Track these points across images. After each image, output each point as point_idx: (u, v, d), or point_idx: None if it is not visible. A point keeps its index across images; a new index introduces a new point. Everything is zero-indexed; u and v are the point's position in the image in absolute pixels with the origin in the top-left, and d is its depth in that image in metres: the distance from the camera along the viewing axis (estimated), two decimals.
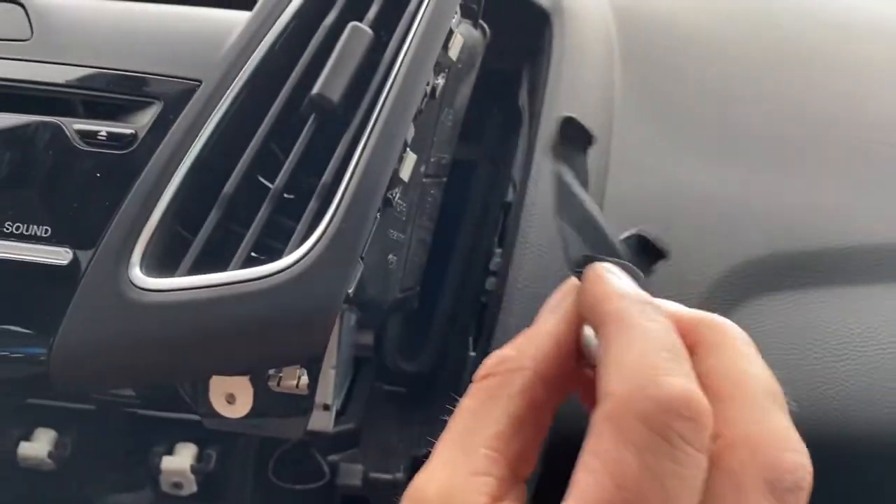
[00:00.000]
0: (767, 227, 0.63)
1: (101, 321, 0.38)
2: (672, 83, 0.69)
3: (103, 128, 0.41)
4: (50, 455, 0.55)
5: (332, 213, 0.40)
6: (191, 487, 0.56)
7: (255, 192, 0.41)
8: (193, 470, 0.56)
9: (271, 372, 0.43)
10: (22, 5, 0.44)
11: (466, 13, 0.56)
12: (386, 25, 0.44)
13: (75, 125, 0.41)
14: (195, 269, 0.40)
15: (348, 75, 0.42)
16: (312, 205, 0.41)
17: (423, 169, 0.53)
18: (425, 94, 0.46)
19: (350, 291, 0.42)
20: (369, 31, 0.43)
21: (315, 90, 0.42)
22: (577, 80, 0.63)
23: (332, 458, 0.61)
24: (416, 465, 0.61)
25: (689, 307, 0.58)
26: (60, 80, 0.42)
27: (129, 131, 0.41)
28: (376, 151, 0.41)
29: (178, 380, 0.42)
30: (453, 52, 0.47)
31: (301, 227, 0.40)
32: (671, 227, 0.61)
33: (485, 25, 0.58)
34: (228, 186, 0.41)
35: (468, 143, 0.74)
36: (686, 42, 0.73)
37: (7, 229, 0.40)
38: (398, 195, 0.47)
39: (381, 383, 0.73)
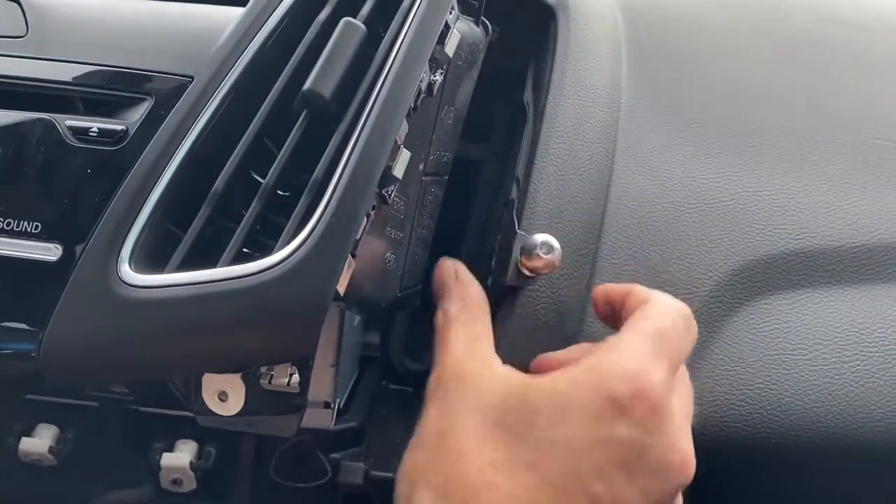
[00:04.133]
0: (776, 226, 0.62)
1: (89, 317, 0.38)
2: (681, 80, 0.69)
3: (94, 124, 0.41)
4: (51, 450, 0.56)
5: (321, 209, 0.40)
6: (190, 484, 0.57)
7: (247, 189, 0.41)
8: (193, 467, 0.56)
9: (263, 369, 0.43)
10: (18, 2, 0.44)
11: (467, 10, 0.56)
12: (380, 21, 0.44)
13: (67, 121, 0.41)
14: (184, 266, 0.40)
15: (340, 71, 0.42)
16: (303, 201, 0.40)
17: (421, 167, 0.53)
18: (421, 91, 0.46)
19: (341, 289, 0.41)
20: (362, 26, 0.43)
21: (307, 86, 0.41)
22: (582, 77, 0.63)
23: (335, 455, 0.61)
24: None
25: (695, 306, 0.57)
26: (53, 77, 0.42)
27: (120, 127, 0.41)
28: (367, 148, 0.40)
29: (166, 377, 0.42)
30: (450, 48, 0.47)
31: (291, 224, 0.40)
32: (678, 226, 0.61)
33: (487, 22, 0.58)
34: (218, 182, 0.41)
35: (474, 141, 0.74)
36: (695, 38, 0.72)
37: (14, 224, 0.40)
38: (394, 192, 0.47)
39: (387, 382, 0.73)
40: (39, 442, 0.56)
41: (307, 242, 0.39)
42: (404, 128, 0.43)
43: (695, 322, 0.47)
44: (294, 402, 0.43)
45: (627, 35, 0.70)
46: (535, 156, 0.58)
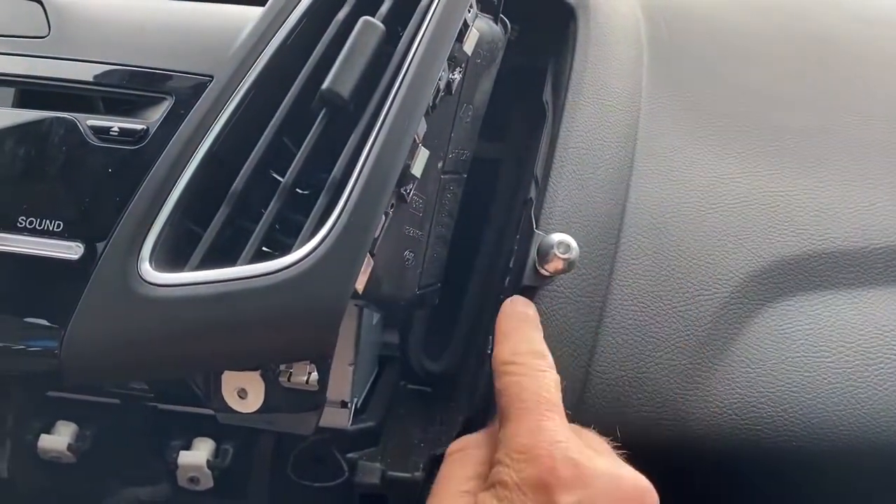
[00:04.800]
0: (799, 227, 0.62)
1: (109, 315, 0.39)
2: (702, 80, 0.68)
3: (115, 123, 0.41)
4: (70, 448, 0.56)
5: (340, 208, 0.40)
6: (207, 482, 0.57)
7: (267, 188, 0.41)
8: (210, 465, 0.56)
9: (282, 367, 0.43)
10: (41, 3, 0.44)
11: (486, 8, 0.56)
12: (399, 20, 0.44)
13: (89, 121, 0.41)
14: (204, 265, 0.40)
15: (359, 70, 0.42)
16: (322, 200, 0.40)
17: (440, 165, 0.53)
18: (439, 90, 0.45)
19: (359, 287, 0.41)
20: (381, 25, 0.43)
21: (325, 85, 0.41)
22: (602, 76, 0.62)
23: (352, 455, 0.61)
24: (434, 463, 0.60)
25: (714, 308, 0.57)
26: (75, 77, 0.42)
27: (140, 127, 0.41)
28: (386, 146, 0.40)
29: (186, 374, 0.42)
30: (468, 47, 0.47)
31: (310, 223, 0.40)
32: (699, 227, 0.60)
33: (506, 20, 0.57)
34: (238, 182, 0.41)
35: (494, 140, 0.74)
36: (717, 37, 0.71)
37: (21, 224, 0.40)
38: (412, 191, 0.47)
39: (406, 382, 0.73)
40: (58, 439, 0.57)
41: (325, 241, 0.39)
42: (423, 126, 0.43)
43: None
44: (313, 400, 0.43)
45: (649, 34, 0.69)
46: (554, 155, 0.58)
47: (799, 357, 0.58)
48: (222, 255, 0.40)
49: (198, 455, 0.57)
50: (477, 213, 0.73)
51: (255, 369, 0.41)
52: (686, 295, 0.58)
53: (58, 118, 0.41)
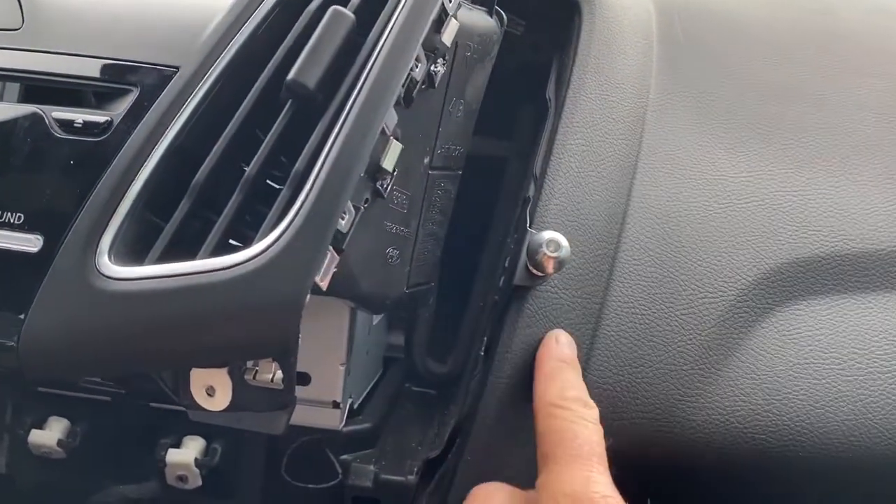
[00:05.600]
0: (812, 227, 0.59)
1: (65, 309, 0.38)
2: (716, 76, 0.66)
3: (80, 116, 0.40)
4: (60, 443, 0.56)
5: (300, 202, 0.39)
6: (196, 481, 0.56)
7: (235, 181, 0.40)
8: (198, 464, 0.56)
9: (249, 365, 0.42)
10: None
11: (479, 0, 0.54)
12: (371, 10, 0.43)
13: (54, 113, 0.41)
14: (166, 258, 0.39)
15: (326, 60, 0.41)
16: (284, 192, 0.39)
17: (426, 161, 0.51)
18: (415, 81, 0.44)
19: (323, 284, 0.40)
20: (351, 15, 0.42)
21: (290, 76, 0.40)
22: (606, 71, 0.60)
23: (345, 457, 0.60)
24: (429, 467, 0.59)
25: (719, 311, 0.54)
26: (41, 69, 0.42)
27: (103, 119, 0.40)
28: (349, 138, 0.39)
29: (144, 370, 0.41)
30: (447, 37, 0.45)
31: (271, 216, 0.39)
32: (704, 226, 0.58)
33: (502, 13, 0.56)
34: (200, 174, 0.40)
35: (499, 138, 0.72)
36: (732, 33, 0.69)
37: None
38: (390, 186, 0.45)
39: (410, 384, 0.71)
40: (49, 434, 0.56)
41: (284, 235, 0.38)
42: (392, 118, 0.42)
43: None
44: (279, 399, 0.42)
45: (660, 29, 0.67)
46: (552, 151, 0.57)
47: (808, 364, 0.56)
48: (188, 248, 0.40)
49: (186, 453, 0.56)
50: (483, 212, 0.71)
51: (214, 366, 0.40)
52: (689, 298, 0.56)
53: (24, 111, 0.41)
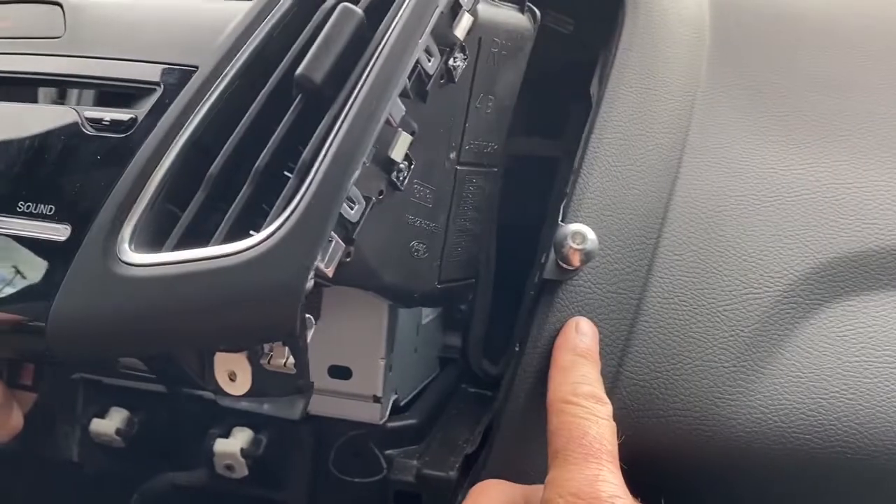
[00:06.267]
0: (867, 220, 0.57)
1: (88, 294, 0.41)
2: (772, 69, 0.64)
3: (108, 114, 0.43)
4: (118, 432, 0.59)
5: (303, 190, 0.40)
6: (242, 471, 0.58)
7: (246, 173, 0.42)
8: (244, 453, 0.58)
9: (265, 350, 0.44)
10: (60, 5, 0.48)
11: None
12: (382, 6, 0.44)
13: (86, 112, 0.44)
14: (181, 246, 0.41)
15: (333, 56, 0.42)
16: (291, 182, 0.41)
17: (453, 156, 0.52)
18: (428, 75, 0.45)
19: (329, 271, 0.41)
20: (360, 11, 0.43)
21: (299, 70, 0.42)
22: (649, 65, 0.60)
23: (390, 452, 0.61)
24: (467, 463, 0.59)
25: (764, 307, 0.53)
26: (76, 72, 0.45)
27: (129, 116, 0.43)
28: (351, 128, 0.41)
29: (158, 350, 0.43)
30: (460, 32, 0.46)
31: (278, 205, 0.41)
32: (751, 220, 0.57)
33: (535, 10, 0.56)
34: (214, 167, 0.42)
35: (550, 138, 0.72)
36: (790, 24, 0.67)
37: (20, 208, 0.43)
38: (406, 178, 0.46)
39: (466, 385, 0.72)
40: (108, 423, 0.60)
41: (287, 223, 0.39)
42: (399, 109, 0.43)
43: None
44: (293, 384, 0.44)
45: (714, 22, 0.66)
46: (588, 146, 0.56)
47: (858, 362, 0.53)
48: (205, 237, 0.42)
49: (233, 443, 0.58)
50: (535, 212, 0.71)
51: (225, 349, 0.42)
52: (733, 292, 0.55)
53: (60, 110, 0.44)
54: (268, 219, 0.41)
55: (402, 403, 0.64)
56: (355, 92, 0.41)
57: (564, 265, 0.52)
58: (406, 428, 0.62)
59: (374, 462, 0.61)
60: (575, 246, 0.51)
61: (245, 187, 0.42)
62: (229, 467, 0.59)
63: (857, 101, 0.62)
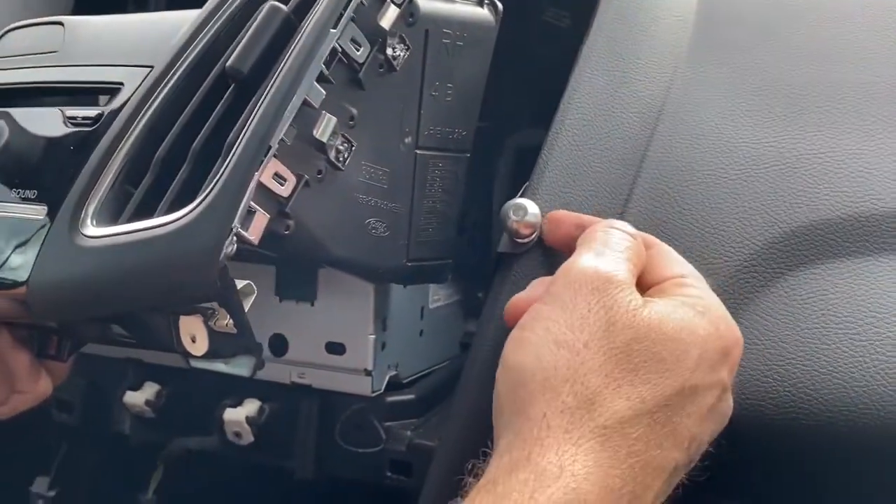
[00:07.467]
0: (835, 188, 0.57)
1: (57, 263, 0.48)
2: (755, 42, 0.65)
3: (81, 111, 0.50)
4: (147, 403, 0.67)
5: (224, 167, 0.45)
6: (248, 437, 0.64)
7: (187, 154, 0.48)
8: (248, 421, 0.64)
9: (216, 312, 0.49)
10: (61, 24, 0.56)
11: None
12: (306, 4, 0.49)
13: (68, 111, 0.51)
14: (135, 220, 0.48)
15: (260, 48, 0.47)
16: (219, 160, 0.46)
17: (408, 140, 0.56)
18: (357, 63, 0.50)
19: (254, 238, 0.46)
20: (284, 8, 0.48)
21: (229, 63, 0.48)
22: (618, 47, 0.62)
23: (389, 424, 0.65)
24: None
25: (722, 278, 0.54)
26: (63, 79, 0.53)
27: (97, 112, 0.50)
28: (265, 112, 0.46)
29: (115, 312, 0.49)
30: (385, 23, 0.50)
31: (208, 182, 0.46)
32: (716, 192, 0.57)
33: (497, 4, 0.60)
34: (160, 150, 0.48)
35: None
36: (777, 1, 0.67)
37: (20, 193, 0.51)
38: (346, 159, 0.51)
39: None
40: (139, 395, 0.67)
41: (207, 197, 0.45)
42: (318, 93, 0.47)
43: None
44: (237, 343, 0.49)
45: (701, 3, 0.67)
46: (551, 127, 0.59)
47: (816, 329, 0.53)
48: (153, 213, 0.48)
49: (239, 412, 0.65)
50: None
51: (168, 311, 0.48)
52: (692, 263, 0.56)
53: (49, 112, 0.52)
54: (198, 195, 0.46)
55: (404, 380, 0.68)
56: (274, 79, 0.47)
57: (516, 239, 0.55)
58: (405, 402, 0.67)
59: (375, 434, 0.65)
60: (515, 219, 0.54)
61: (183, 167, 0.47)
62: (237, 434, 0.65)
63: (840, 72, 0.61)
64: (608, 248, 0.48)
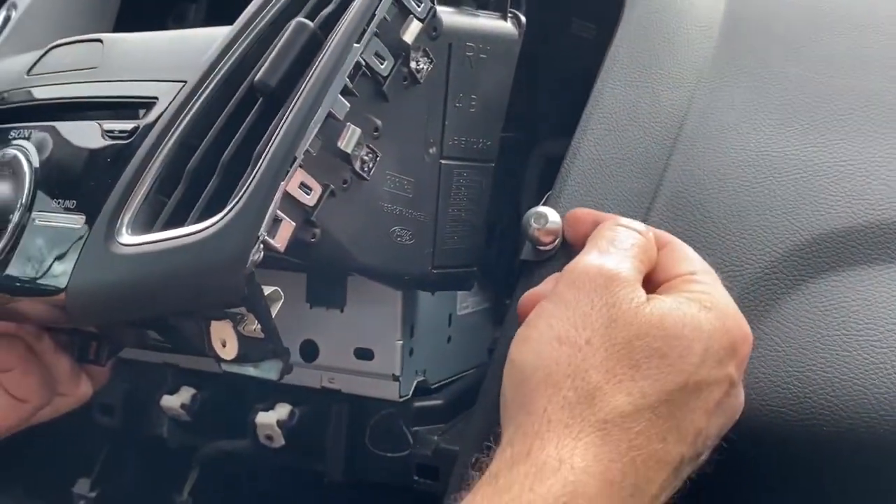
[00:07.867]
0: (859, 196, 0.58)
1: (94, 271, 0.50)
2: (782, 51, 0.65)
3: (118, 124, 0.53)
4: (183, 406, 0.69)
5: (251, 178, 0.47)
6: (279, 441, 0.66)
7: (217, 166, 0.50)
8: (279, 425, 0.65)
9: (245, 317, 0.51)
10: (101, 41, 0.58)
11: (497, 6, 0.60)
12: (332, 21, 0.51)
13: (105, 125, 0.54)
14: (167, 229, 0.50)
15: (287, 63, 0.49)
16: (248, 171, 0.48)
17: (432, 151, 0.57)
18: (382, 77, 0.51)
19: (280, 245, 0.48)
20: (311, 24, 0.50)
21: (258, 77, 0.50)
22: (642, 58, 0.63)
23: (417, 429, 0.67)
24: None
25: (745, 283, 0.54)
26: (102, 94, 0.55)
27: (132, 126, 0.52)
28: (291, 124, 0.47)
29: (148, 316, 0.51)
30: (408, 37, 0.52)
31: (237, 192, 0.48)
32: (737, 202, 0.58)
33: (520, 17, 0.61)
34: (192, 162, 0.50)
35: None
36: (807, 10, 0.67)
37: (61, 203, 0.53)
38: (371, 169, 0.52)
39: None
40: (175, 399, 0.70)
41: (235, 207, 0.47)
42: (342, 106, 0.49)
43: None
44: (264, 348, 0.50)
45: (727, 12, 0.67)
46: (574, 138, 0.60)
47: (838, 335, 0.54)
48: (185, 221, 0.50)
49: (271, 415, 0.66)
50: None
51: (198, 315, 0.50)
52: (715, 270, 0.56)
53: (88, 125, 0.54)
54: (228, 204, 0.48)
55: (432, 386, 0.69)
56: (300, 92, 0.48)
57: (538, 247, 0.56)
58: (433, 408, 0.68)
59: (403, 438, 0.66)
60: (536, 226, 0.55)
61: (213, 178, 0.49)
62: (269, 437, 0.67)
63: (864, 83, 0.61)
64: (613, 246, 0.49)
